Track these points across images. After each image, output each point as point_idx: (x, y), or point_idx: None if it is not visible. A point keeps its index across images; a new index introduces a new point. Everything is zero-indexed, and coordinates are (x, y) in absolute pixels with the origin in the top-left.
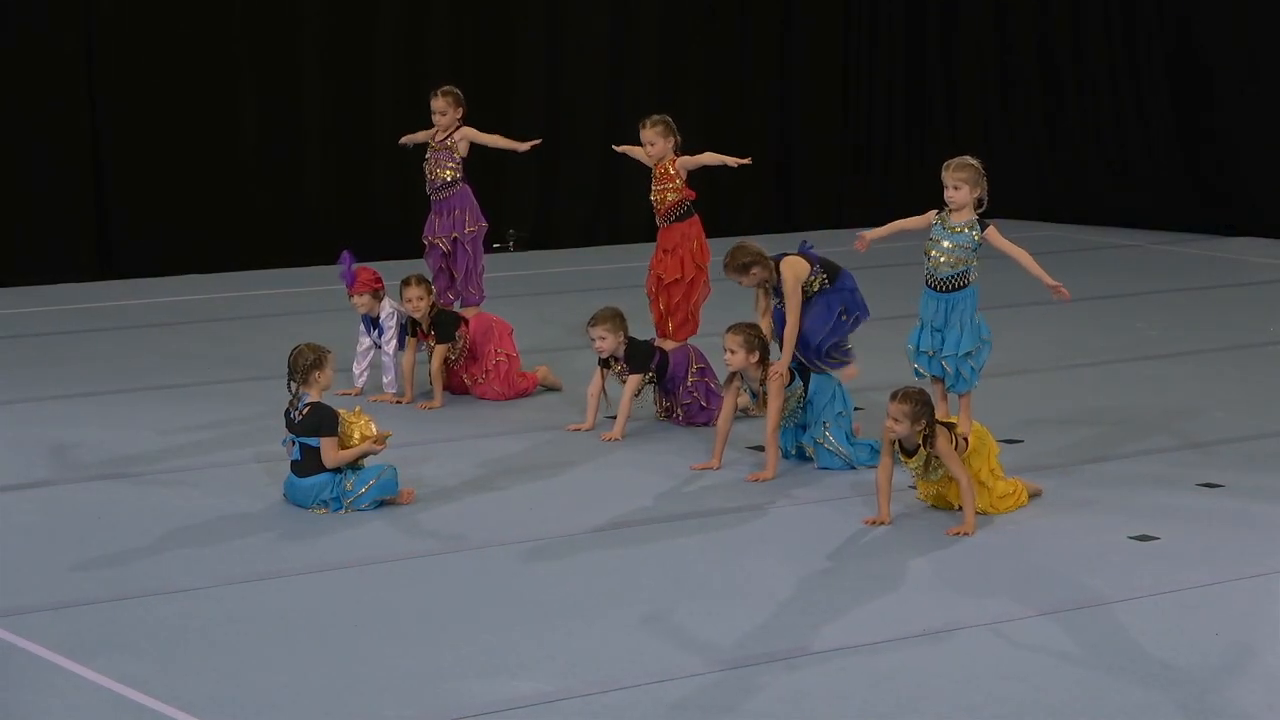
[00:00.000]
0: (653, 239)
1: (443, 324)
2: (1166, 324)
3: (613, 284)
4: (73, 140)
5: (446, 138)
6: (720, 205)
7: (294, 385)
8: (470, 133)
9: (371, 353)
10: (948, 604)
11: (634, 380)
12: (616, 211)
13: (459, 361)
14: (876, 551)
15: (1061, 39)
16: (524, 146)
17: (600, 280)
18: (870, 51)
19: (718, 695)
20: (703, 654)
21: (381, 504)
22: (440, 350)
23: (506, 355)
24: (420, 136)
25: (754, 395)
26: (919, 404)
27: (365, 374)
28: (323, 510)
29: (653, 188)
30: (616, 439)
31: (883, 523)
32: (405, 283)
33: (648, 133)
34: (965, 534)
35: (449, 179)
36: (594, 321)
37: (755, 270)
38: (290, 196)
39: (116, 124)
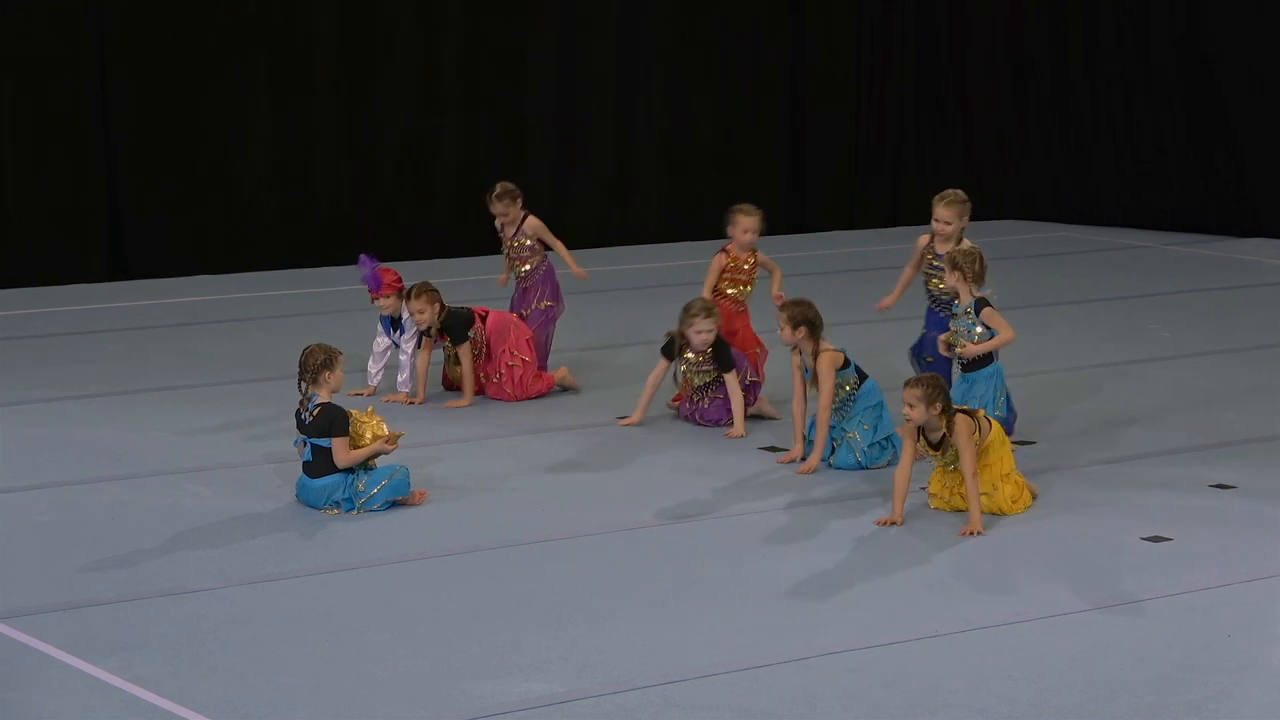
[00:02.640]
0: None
1: (452, 325)
2: (1179, 325)
3: (625, 285)
4: (85, 142)
5: (516, 234)
6: (732, 205)
7: (304, 385)
8: (539, 225)
9: (388, 354)
10: (959, 605)
11: (734, 378)
12: (629, 211)
13: (479, 359)
14: (887, 552)
15: (1074, 39)
16: (577, 270)
17: (612, 281)
18: (883, 51)
19: (729, 696)
20: (714, 654)
21: (393, 505)
22: (467, 350)
23: (522, 360)
24: (505, 277)
25: (808, 372)
26: (930, 386)
27: (380, 374)
28: (335, 511)
29: (739, 275)
30: (741, 435)
31: (895, 523)
32: (407, 296)
33: (754, 219)
34: (975, 533)
35: (534, 265)
36: (706, 313)
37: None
38: (302, 197)
39: (128, 125)
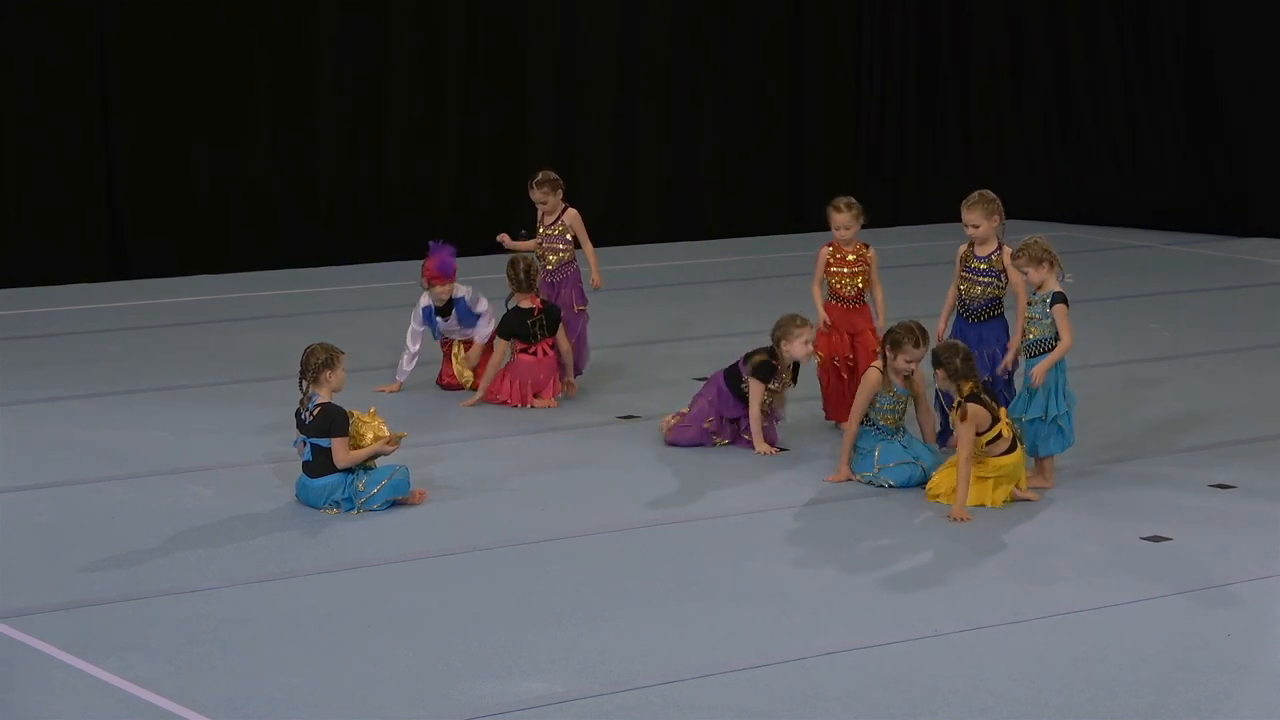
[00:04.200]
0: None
1: (507, 321)
2: (1179, 325)
3: (625, 285)
4: (85, 142)
5: (555, 222)
6: (732, 205)
7: (305, 385)
8: (578, 219)
9: (421, 350)
10: (958, 605)
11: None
12: (629, 211)
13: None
14: (886, 552)
15: (1074, 39)
16: (596, 277)
17: (612, 281)
18: (883, 52)
19: (729, 696)
20: (714, 654)
21: (393, 504)
22: (501, 347)
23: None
24: (526, 245)
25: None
26: (938, 353)
27: (413, 369)
28: (334, 511)
29: (845, 270)
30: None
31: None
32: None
33: (844, 216)
34: (960, 519)
35: (565, 259)
36: (808, 324)
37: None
38: (302, 197)
39: (128, 125)
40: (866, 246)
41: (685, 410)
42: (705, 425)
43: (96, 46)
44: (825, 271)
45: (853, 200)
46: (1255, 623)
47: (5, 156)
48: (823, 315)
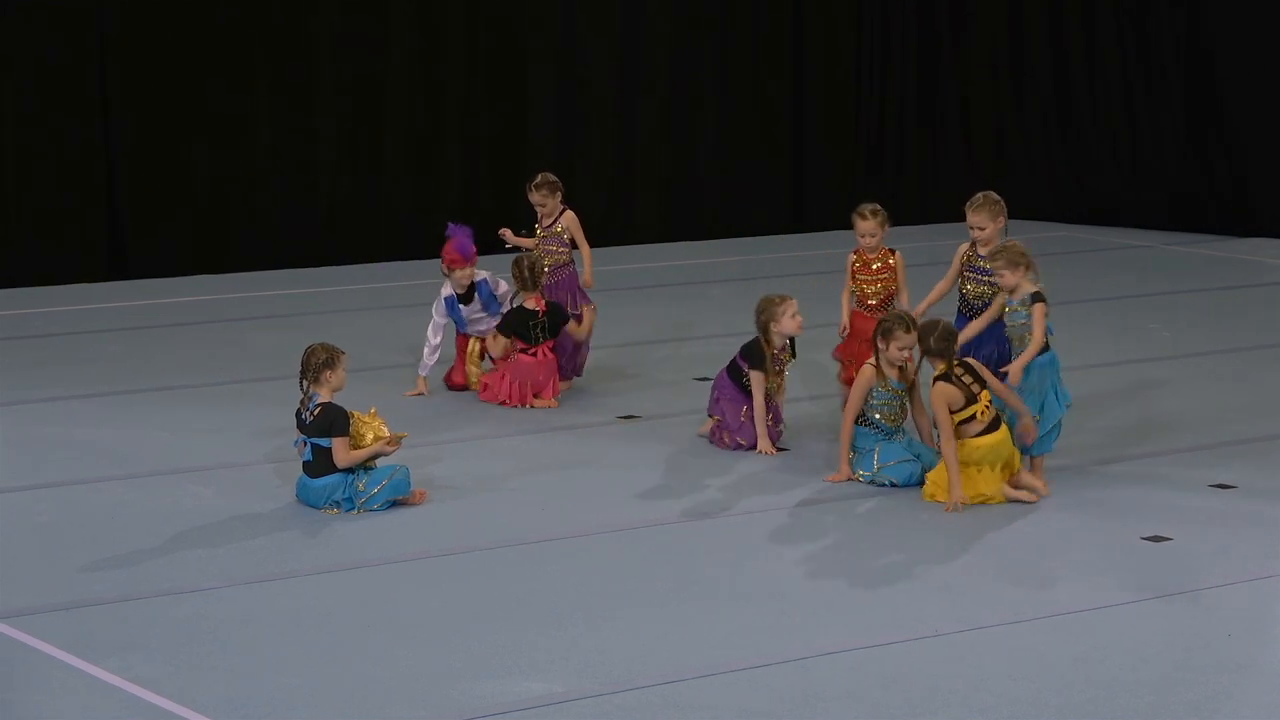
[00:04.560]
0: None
1: (509, 317)
2: (1179, 325)
3: (625, 285)
4: (85, 142)
5: (553, 224)
6: (732, 205)
7: (306, 384)
8: (575, 221)
9: (442, 343)
10: (958, 605)
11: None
12: (629, 211)
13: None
14: (887, 552)
15: (1074, 39)
16: (588, 277)
17: (612, 281)
18: (883, 52)
19: (729, 696)
20: (714, 654)
21: (393, 504)
22: (502, 344)
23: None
24: (527, 243)
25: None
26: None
27: (434, 363)
28: (335, 511)
29: (869, 277)
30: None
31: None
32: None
33: (868, 223)
34: (958, 506)
35: (561, 261)
36: (789, 299)
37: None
38: (302, 197)
39: (128, 125)
40: (892, 252)
41: (714, 419)
42: (742, 419)
43: (96, 46)
44: (851, 279)
45: (877, 207)
46: (1255, 623)
47: (5, 156)
48: (844, 322)
